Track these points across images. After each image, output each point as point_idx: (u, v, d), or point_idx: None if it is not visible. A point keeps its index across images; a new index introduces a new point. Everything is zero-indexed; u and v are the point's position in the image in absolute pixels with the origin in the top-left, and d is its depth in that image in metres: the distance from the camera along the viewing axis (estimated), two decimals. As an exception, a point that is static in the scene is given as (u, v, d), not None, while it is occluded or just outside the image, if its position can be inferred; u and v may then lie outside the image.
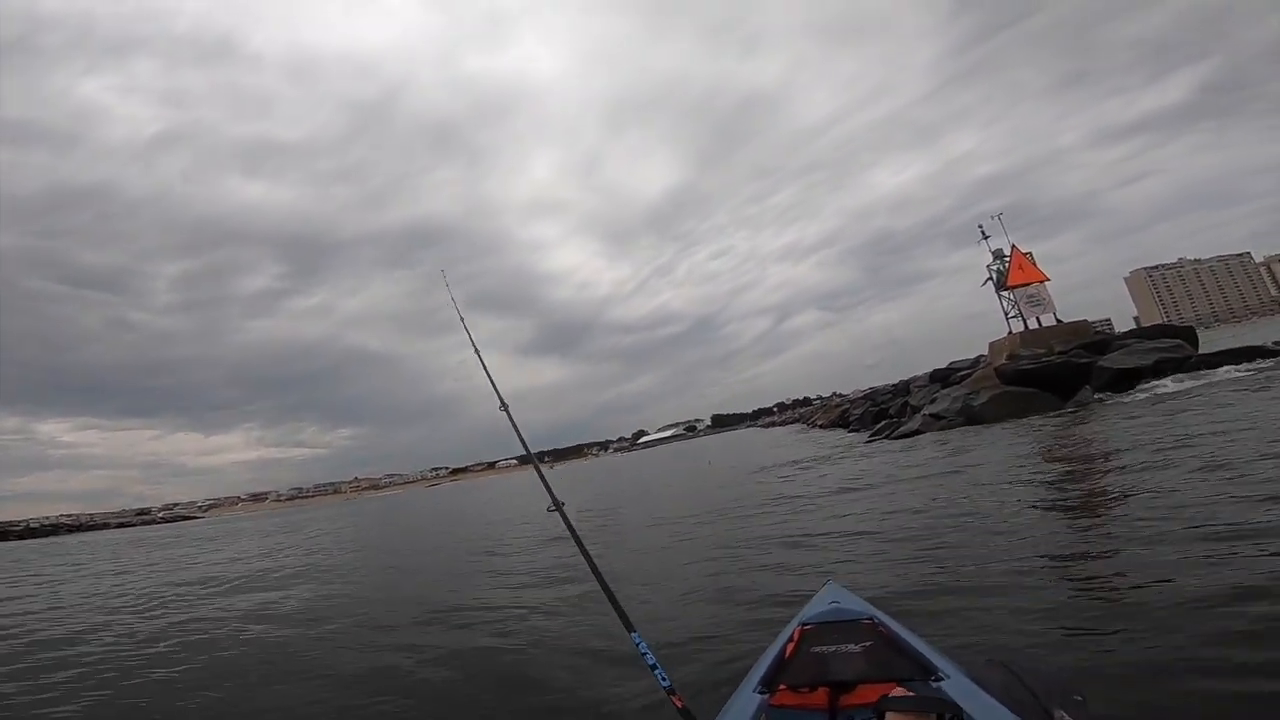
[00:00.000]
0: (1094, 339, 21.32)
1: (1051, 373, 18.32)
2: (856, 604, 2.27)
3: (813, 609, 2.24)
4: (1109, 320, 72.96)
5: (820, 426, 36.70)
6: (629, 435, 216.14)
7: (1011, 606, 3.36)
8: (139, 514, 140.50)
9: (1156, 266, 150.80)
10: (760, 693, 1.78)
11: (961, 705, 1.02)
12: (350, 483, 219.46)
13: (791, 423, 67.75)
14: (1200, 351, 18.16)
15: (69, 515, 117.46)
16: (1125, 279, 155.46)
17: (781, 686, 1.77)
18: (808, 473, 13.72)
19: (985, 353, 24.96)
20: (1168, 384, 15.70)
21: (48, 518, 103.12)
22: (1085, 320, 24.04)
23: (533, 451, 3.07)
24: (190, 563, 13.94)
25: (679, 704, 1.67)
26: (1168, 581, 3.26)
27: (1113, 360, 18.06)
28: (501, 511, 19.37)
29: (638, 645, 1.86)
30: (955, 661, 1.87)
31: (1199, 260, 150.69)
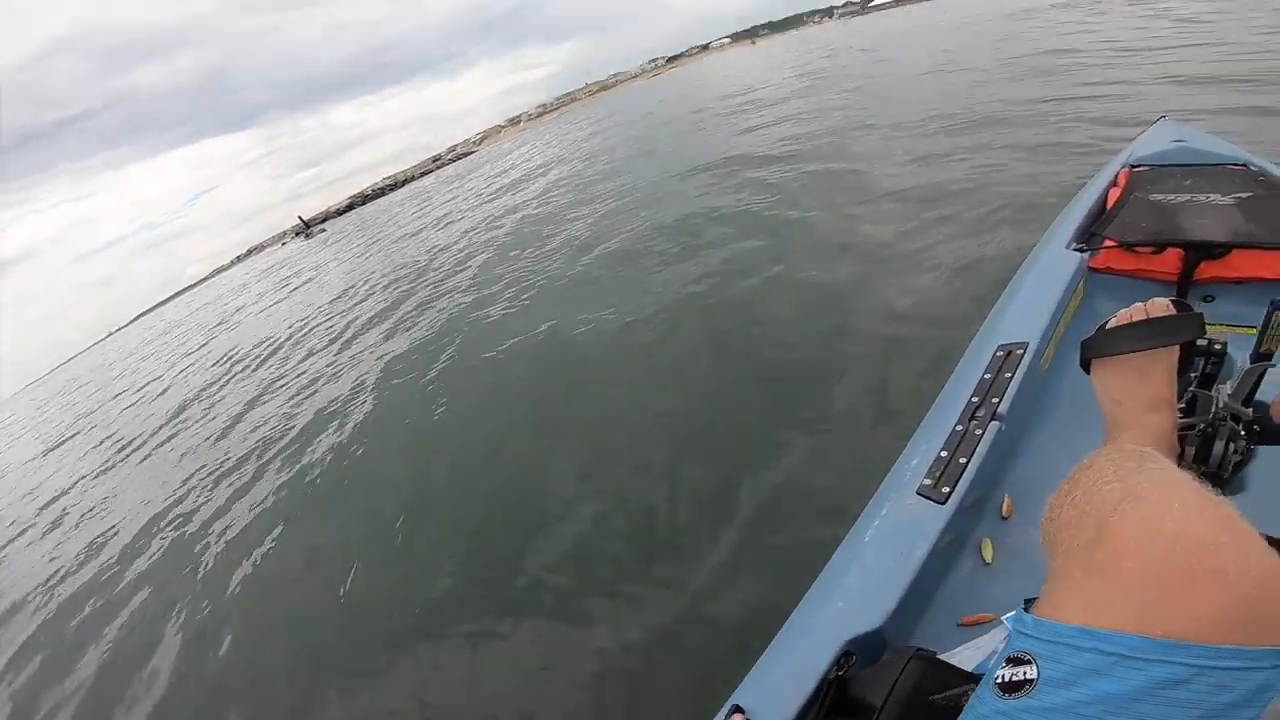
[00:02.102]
0: None
1: None
2: (1215, 144, 1.49)
3: (1146, 148, 1.56)
4: None
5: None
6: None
7: None
8: (434, 160, 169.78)
9: None
10: (1077, 249, 1.28)
11: None
12: (584, 89, 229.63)
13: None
14: None
15: (389, 178, 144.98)
16: None
17: (1107, 243, 1.28)
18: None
19: None
20: None
21: (376, 184, 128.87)
22: None
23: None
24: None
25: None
26: None
27: None
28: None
29: None
30: None
31: None
